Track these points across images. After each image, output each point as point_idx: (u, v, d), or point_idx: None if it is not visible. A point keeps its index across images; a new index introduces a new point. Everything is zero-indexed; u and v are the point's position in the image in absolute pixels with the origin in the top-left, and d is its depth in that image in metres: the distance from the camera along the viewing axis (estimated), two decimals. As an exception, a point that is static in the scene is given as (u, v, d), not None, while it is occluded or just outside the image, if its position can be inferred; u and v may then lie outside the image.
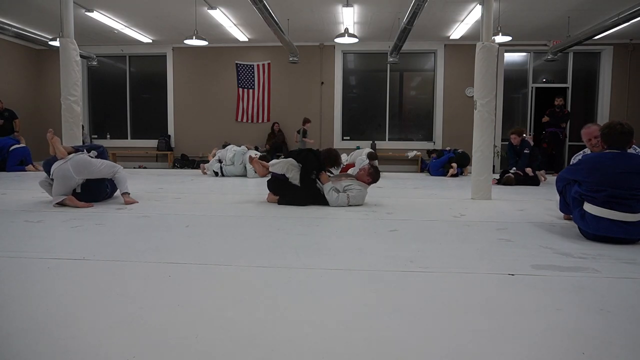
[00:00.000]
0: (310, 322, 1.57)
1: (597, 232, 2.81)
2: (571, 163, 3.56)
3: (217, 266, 2.27)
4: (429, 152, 9.51)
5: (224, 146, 8.26)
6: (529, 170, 6.85)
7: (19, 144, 8.45)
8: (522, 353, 1.35)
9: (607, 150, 2.92)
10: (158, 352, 1.33)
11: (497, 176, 7.16)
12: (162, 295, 1.82)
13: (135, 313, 1.62)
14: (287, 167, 4.38)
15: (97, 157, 4.38)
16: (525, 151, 7.00)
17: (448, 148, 9.08)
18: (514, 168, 6.95)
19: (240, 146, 8.00)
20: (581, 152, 3.86)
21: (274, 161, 4.56)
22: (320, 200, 4.34)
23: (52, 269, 2.16)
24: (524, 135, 7.27)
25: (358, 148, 10.07)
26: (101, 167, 4.23)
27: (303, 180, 4.32)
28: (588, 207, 2.87)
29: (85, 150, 4.35)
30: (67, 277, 2.07)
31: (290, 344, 1.40)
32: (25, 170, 8.21)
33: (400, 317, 1.62)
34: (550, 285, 1.99)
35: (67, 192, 4.06)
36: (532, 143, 7.42)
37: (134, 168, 9.92)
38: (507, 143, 10.00)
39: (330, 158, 4.52)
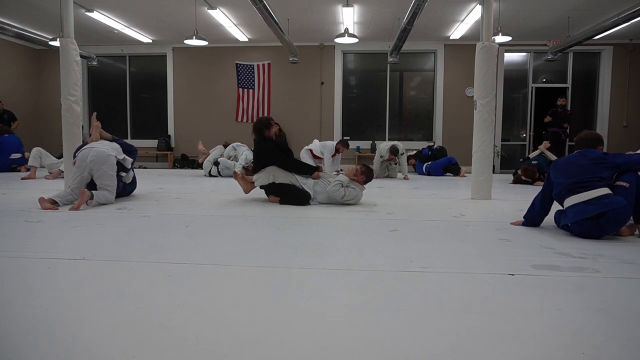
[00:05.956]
0: (310, 322, 1.57)
1: (576, 218, 2.95)
2: None
3: (217, 266, 2.27)
4: (410, 156, 9.32)
5: (225, 146, 8.23)
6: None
7: (21, 156, 7.84)
8: (522, 353, 1.35)
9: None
10: (158, 352, 1.33)
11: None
12: (162, 295, 1.82)
13: (135, 313, 1.63)
14: (271, 175, 4.37)
15: (124, 159, 4.44)
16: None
17: (428, 145, 9.00)
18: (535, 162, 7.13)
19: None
20: None
21: (256, 176, 4.50)
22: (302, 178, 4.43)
23: (52, 269, 2.16)
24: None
25: (358, 148, 10.10)
26: (106, 172, 4.15)
27: (291, 166, 4.42)
28: (564, 202, 3.10)
29: (120, 148, 4.44)
30: (67, 277, 2.07)
31: (290, 343, 1.40)
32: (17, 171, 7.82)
33: (400, 317, 1.62)
34: (550, 285, 1.99)
35: (79, 184, 4.11)
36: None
37: (134, 168, 9.92)
38: (507, 143, 10.13)
39: (259, 123, 4.61)
